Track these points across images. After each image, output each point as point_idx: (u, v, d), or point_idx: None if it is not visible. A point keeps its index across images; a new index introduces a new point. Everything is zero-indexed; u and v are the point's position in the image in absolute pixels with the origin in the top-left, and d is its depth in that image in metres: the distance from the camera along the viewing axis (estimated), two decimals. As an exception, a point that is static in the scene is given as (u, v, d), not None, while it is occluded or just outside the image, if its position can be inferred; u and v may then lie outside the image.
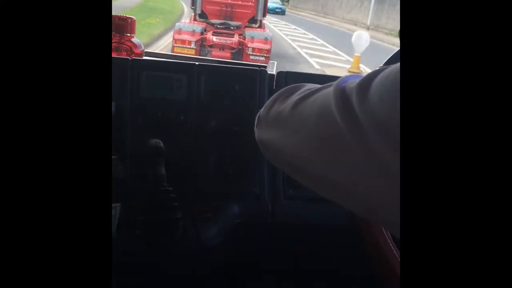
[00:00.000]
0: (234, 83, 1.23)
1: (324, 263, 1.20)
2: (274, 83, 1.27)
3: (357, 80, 0.41)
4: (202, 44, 7.98)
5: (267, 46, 7.98)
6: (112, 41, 1.29)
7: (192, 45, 7.84)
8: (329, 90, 0.44)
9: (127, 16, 1.30)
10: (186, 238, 1.03)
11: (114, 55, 1.28)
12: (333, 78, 0.50)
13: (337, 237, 1.17)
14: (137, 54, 1.30)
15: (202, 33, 8.10)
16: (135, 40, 1.31)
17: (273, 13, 23.46)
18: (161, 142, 1.07)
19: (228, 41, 8.02)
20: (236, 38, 8.11)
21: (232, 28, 8.64)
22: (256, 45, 7.96)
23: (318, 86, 0.50)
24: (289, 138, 0.51)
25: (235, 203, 1.19)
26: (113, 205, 1.03)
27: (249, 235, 1.19)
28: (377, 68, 0.42)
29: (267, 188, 1.23)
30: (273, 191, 1.23)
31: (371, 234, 0.84)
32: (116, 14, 1.29)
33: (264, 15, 9.04)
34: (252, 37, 8.07)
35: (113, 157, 1.15)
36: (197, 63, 1.22)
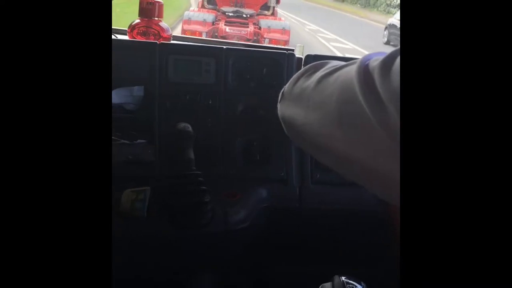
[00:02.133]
0: (261, 67, 1.22)
1: (352, 248, 1.20)
2: (302, 66, 1.26)
3: (381, 57, 0.41)
4: (214, 35, 7.23)
5: (285, 37, 7.31)
6: (140, 25, 1.29)
7: (203, 37, 6.89)
8: (352, 67, 0.43)
9: (155, 0, 1.29)
10: (214, 222, 1.04)
11: (142, 39, 1.28)
12: None
13: (365, 222, 1.16)
14: (165, 38, 1.30)
15: (213, 23, 7.44)
16: (163, 24, 1.31)
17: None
18: (189, 126, 1.07)
19: (242, 32, 7.33)
20: (251, 28, 7.42)
21: (245, 16, 7.91)
22: (273, 35, 7.29)
23: (342, 63, 0.50)
24: (311, 115, 0.50)
25: (263, 187, 1.19)
26: (142, 188, 1.04)
27: (276, 219, 1.19)
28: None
29: (295, 172, 1.22)
30: (300, 175, 1.23)
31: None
32: (144, -2, 1.29)
33: (277, 1, 8.28)
34: (269, 27, 7.40)
35: (142, 141, 1.17)
36: (225, 47, 1.21)
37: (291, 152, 1.23)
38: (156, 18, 1.30)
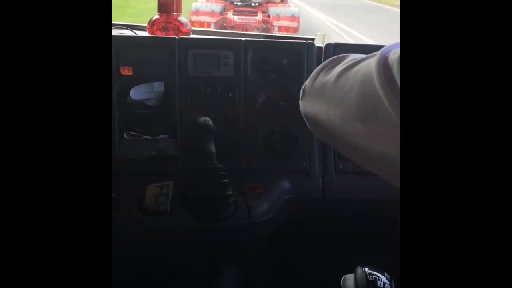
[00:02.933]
0: (281, 58, 1.21)
1: (375, 238, 1.18)
2: (323, 55, 1.24)
3: (398, 50, 0.39)
4: (222, 26, 7.09)
5: (294, 24, 7.13)
6: (159, 20, 1.30)
7: (212, 27, 6.79)
8: (372, 60, 0.43)
9: (173, -6, 1.30)
10: (237, 215, 1.04)
11: (161, 34, 1.29)
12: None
13: (389, 212, 1.14)
14: (184, 33, 1.30)
15: (221, 13, 7.29)
16: (181, 19, 1.32)
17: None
18: (210, 119, 1.07)
19: (251, 21, 7.16)
20: (260, 17, 7.25)
21: (253, 5, 7.71)
22: (282, 23, 7.12)
23: (362, 56, 0.49)
24: (332, 110, 0.50)
25: (285, 179, 1.18)
26: (166, 183, 1.06)
27: (300, 211, 1.18)
28: None
29: (317, 163, 1.22)
30: (323, 166, 1.22)
31: None
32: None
33: None
34: (278, 14, 7.23)
35: (164, 136, 1.18)
36: (243, 39, 1.21)
37: (313, 143, 1.22)
38: (175, 13, 1.31)
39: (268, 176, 1.18)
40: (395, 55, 0.40)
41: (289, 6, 7.81)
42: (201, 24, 6.93)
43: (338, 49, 1.22)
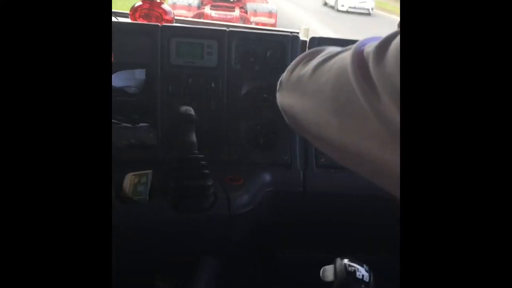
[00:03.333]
0: (265, 50, 1.21)
1: (356, 232, 1.19)
2: (307, 49, 1.24)
3: (376, 43, 0.39)
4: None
5: (271, 20, 7.17)
6: (142, 7, 1.28)
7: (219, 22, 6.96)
8: (348, 53, 0.42)
9: (157, -18, 1.28)
10: (216, 206, 1.03)
11: (144, 21, 1.27)
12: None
13: (369, 206, 1.15)
14: (167, 21, 1.28)
15: (199, 7, 7.30)
16: (165, 6, 1.30)
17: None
18: (191, 109, 1.06)
19: (228, 16, 7.20)
20: (237, 12, 7.28)
21: (232, 0, 7.68)
22: (259, 19, 7.14)
23: (339, 49, 0.48)
24: (307, 103, 0.49)
25: (267, 172, 1.18)
26: (145, 171, 1.04)
27: (280, 203, 1.18)
28: (395, 30, 0.39)
29: (299, 156, 1.21)
30: (304, 159, 1.22)
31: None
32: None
33: None
34: (255, 10, 7.29)
35: (144, 124, 1.16)
36: (228, 29, 1.20)
37: (295, 136, 1.21)
38: (159, 1, 1.29)
39: (249, 168, 1.17)
40: (370, 47, 0.39)
41: (267, 2, 7.80)
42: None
43: (322, 43, 1.22)
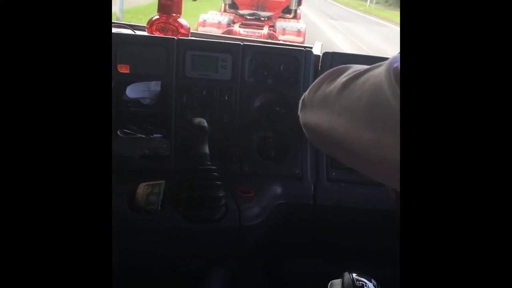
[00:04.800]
0: (279, 64, 1.22)
1: (364, 246, 1.19)
2: (320, 64, 1.25)
3: None
4: None
5: (299, 39, 6.99)
6: (159, 21, 1.31)
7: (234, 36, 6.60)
8: (380, 70, 0.44)
9: (173, -4, 1.31)
10: (227, 217, 1.04)
11: (160, 34, 1.29)
12: (380, 59, 0.49)
13: (379, 221, 1.15)
14: (183, 34, 1.31)
15: (229, 25, 7.26)
16: (181, 20, 1.32)
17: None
18: (205, 121, 1.08)
19: (256, 34, 7.03)
20: (265, 31, 7.17)
21: (262, 19, 7.67)
22: (288, 37, 7.00)
23: (365, 67, 0.50)
24: (336, 119, 0.50)
25: (277, 184, 1.19)
26: (158, 182, 1.06)
27: (291, 216, 1.19)
28: None
29: (310, 169, 1.22)
30: (315, 172, 1.23)
31: None
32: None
33: (299, 4, 8.06)
34: (284, 29, 7.19)
35: (158, 135, 1.18)
36: (242, 43, 1.22)
37: (306, 149, 1.22)
38: (175, 15, 1.31)
39: (260, 180, 1.18)
40: None
41: (298, 21, 7.75)
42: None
43: (335, 58, 1.24)
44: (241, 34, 6.90)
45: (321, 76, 0.59)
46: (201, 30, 6.96)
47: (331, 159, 1.22)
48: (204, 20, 7.21)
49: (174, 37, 1.24)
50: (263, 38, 6.69)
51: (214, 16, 7.46)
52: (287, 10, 7.99)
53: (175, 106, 1.18)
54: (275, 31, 7.25)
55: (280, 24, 7.39)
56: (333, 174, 1.22)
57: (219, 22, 7.21)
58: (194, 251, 1.07)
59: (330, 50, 1.28)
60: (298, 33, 7.14)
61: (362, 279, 0.83)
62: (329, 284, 0.86)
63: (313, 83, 0.60)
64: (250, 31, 7.13)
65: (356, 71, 0.51)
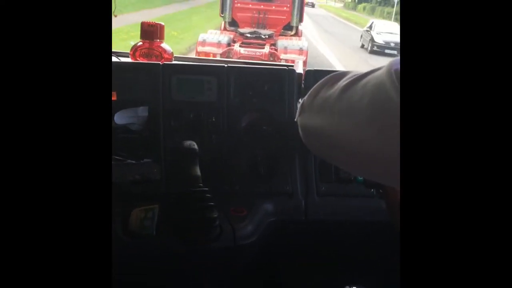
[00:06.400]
0: (263, 83, 1.25)
1: (358, 258, 1.20)
2: (303, 81, 1.28)
3: None
4: (228, 57, 6.78)
5: (301, 57, 6.78)
6: (142, 47, 1.32)
7: (218, 58, 6.38)
8: (380, 72, 0.47)
9: (155, 22, 1.33)
10: (222, 237, 1.05)
11: (144, 60, 1.31)
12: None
13: (371, 232, 1.17)
14: (166, 59, 1.32)
15: (229, 44, 7.13)
16: (164, 45, 1.34)
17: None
18: (194, 143, 1.09)
19: (257, 53, 6.90)
20: (266, 49, 7.03)
21: (263, 37, 7.54)
22: (290, 56, 6.85)
23: (363, 72, 0.52)
24: (337, 121, 0.53)
25: (269, 202, 1.20)
26: (151, 206, 1.06)
27: (284, 233, 1.20)
28: None
29: (300, 185, 1.24)
30: (305, 188, 1.24)
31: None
32: (145, 21, 1.33)
33: (301, 20, 7.91)
34: (285, 48, 7.03)
35: (148, 160, 1.18)
36: (226, 65, 1.24)
37: (295, 165, 1.24)
38: (158, 40, 1.33)
39: (251, 198, 1.19)
40: None
41: (300, 39, 7.63)
42: (207, 54, 6.70)
43: (318, 74, 1.27)
44: (242, 54, 6.75)
45: (320, 81, 0.61)
46: (200, 50, 6.85)
47: (320, 174, 1.24)
48: (204, 40, 7.07)
49: (159, 62, 1.25)
50: (265, 57, 6.69)
51: (214, 35, 7.32)
52: (288, 27, 7.94)
53: (164, 130, 1.19)
54: (276, 50, 7.11)
55: (281, 42, 7.24)
56: (323, 188, 1.24)
57: (219, 42, 7.06)
58: (191, 274, 1.06)
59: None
60: (300, 51, 6.99)
61: (362, 290, 0.85)
62: None
63: (312, 89, 0.62)
64: (251, 50, 6.98)
65: (355, 75, 0.53)
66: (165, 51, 1.34)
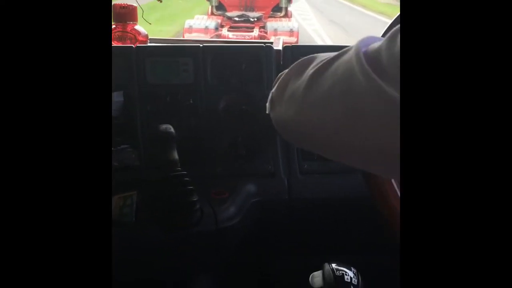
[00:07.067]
0: (240, 62, 1.22)
1: (343, 236, 1.20)
2: (281, 58, 1.25)
3: (378, 42, 0.40)
4: None
5: (293, 39, 6.59)
6: (116, 30, 1.29)
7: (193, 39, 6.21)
8: (349, 57, 0.43)
9: (128, 4, 1.29)
10: (204, 221, 1.04)
11: (118, 44, 1.27)
12: (341, 47, 0.48)
13: (355, 209, 1.16)
14: (141, 41, 1.29)
15: (216, 29, 6.91)
16: (138, 27, 1.31)
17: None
18: (171, 127, 1.07)
19: (246, 37, 6.63)
20: (256, 33, 6.81)
21: (252, 20, 7.25)
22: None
23: (330, 55, 0.48)
24: (309, 112, 0.50)
25: (251, 182, 1.19)
26: (130, 193, 1.04)
27: (267, 213, 1.19)
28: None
29: (282, 164, 1.22)
30: (288, 167, 1.23)
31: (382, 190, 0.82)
32: (117, 3, 1.29)
33: (290, 1, 7.68)
34: (275, 30, 6.80)
35: (125, 146, 1.16)
36: (201, 45, 1.21)
37: (277, 144, 1.23)
38: (131, 22, 1.30)
39: (233, 180, 1.18)
40: (376, 46, 0.40)
41: (290, 20, 7.41)
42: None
43: (295, 51, 1.24)
44: (230, 38, 6.53)
45: (286, 71, 0.57)
46: (187, 36, 6.60)
47: (302, 152, 1.23)
48: (190, 26, 6.88)
49: (132, 45, 1.22)
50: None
51: (201, 21, 7.11)
52: (277, 9, 7.66)
53: (140, 114, 1.17)
54: (266, 32, 6.91)
55: (271, 24, 7.05)
56: (306, 166, 1.23)
57: (206, 27, 6.86)
58: (174, 261, 1.06)
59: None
60: (291, 33, 6.80)
61: (342, 268, 0.84)
62: (310, 276, 0.87)
63: (279, 81, 0.58)
64: (239, 34, 6.78)
65: (322, 61, 0.49)
66: (139, 33, 1.30)
